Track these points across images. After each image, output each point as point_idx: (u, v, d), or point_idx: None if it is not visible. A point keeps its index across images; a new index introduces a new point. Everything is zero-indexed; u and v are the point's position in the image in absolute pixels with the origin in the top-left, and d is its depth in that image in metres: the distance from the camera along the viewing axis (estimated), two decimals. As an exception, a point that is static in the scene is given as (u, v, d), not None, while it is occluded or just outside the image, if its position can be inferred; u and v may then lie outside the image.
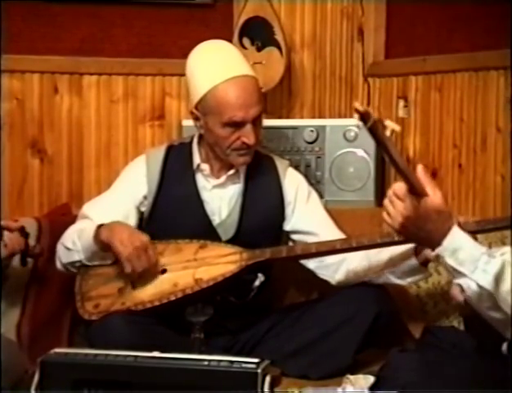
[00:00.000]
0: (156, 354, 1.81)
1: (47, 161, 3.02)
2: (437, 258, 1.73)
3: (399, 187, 1.73)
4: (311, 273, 2.57)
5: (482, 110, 2.69)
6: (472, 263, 1.69)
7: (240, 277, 2.44)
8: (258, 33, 3.03)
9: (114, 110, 3.06)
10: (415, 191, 1.70)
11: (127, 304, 2.37)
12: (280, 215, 2.57)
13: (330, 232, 2.53)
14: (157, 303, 2.36)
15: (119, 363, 1.79)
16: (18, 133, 2.98)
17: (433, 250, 1.73)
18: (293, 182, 2.61)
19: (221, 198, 2.55)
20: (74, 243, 2.45)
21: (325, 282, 2.54)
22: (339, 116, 3.16)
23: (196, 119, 2.51)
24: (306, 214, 2.57)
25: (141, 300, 2.37)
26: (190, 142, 2.60)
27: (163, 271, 2.42)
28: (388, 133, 1.53)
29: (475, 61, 2.71)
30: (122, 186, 2.60)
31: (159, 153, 2.59)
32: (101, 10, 3.03)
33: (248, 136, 2.43)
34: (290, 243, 2.60)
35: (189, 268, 2.41)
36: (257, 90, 2.47)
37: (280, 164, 2.63)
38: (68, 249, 2.46)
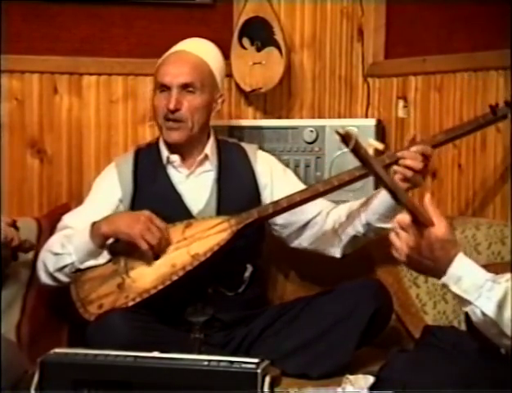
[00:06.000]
0: (156, 354, 1.81)
1: (47, 161, 3.02)
2: (444, 287, 1.73)
3: (402, 217, 1.72)
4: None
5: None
6: (476, 290, 1.68)
7: (231, 268, 2.48)
8: (257, 34, 3.04)
9: (114, 110, 3.06)
10: (418, 220, 1.69)
11: (131, 296, 2.36)
12: (256, 199, 2.58)
13: (314, 202, 2.54)
14: (161, 286, 2.35)
15: (119, 363, 1.78)
16: (18, 133, 2.99)
17: (440, 279, 1.73)
18: (265, 165, 2.64)
19: (196, 188, 2.57)
20: (64, 246, 2.44)
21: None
22: (339, 116, 3.16)
23: None
24: (286, 192, 2.51)
25: (143, 288, 2.37)
26: (157, 140, 2.64)
27: (157, 257, 2.41)
28: (370, 151, 1.53)
29: (475, 61, 2.71)
30: (97, 195, 2.62)
31: (128, 157, 2.64)
32: (101, 10, 3.03)
33: (170, 100, 2.49)
34: (274, 231, 2.63)
35: (182, 248, 2.41)
36: (193, 64, 2.53)
37: (250, 148, 2.67)
38: (57, 254, 2.44)
